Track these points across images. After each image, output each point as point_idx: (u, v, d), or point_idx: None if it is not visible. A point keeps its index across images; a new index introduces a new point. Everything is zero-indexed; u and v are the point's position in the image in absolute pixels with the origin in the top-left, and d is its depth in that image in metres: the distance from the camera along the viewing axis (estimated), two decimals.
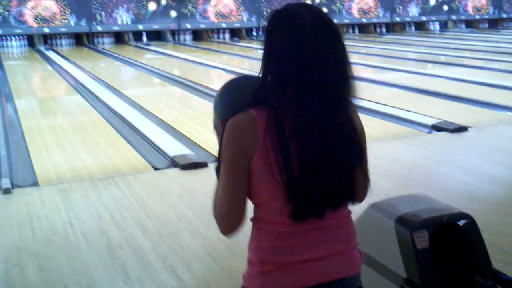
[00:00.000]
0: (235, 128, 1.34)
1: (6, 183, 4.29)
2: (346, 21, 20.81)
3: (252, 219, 1.45)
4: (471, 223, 2.07)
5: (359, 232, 1.49)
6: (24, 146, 5.65)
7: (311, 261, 1.40)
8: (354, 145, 1.37)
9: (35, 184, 4.46)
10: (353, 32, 21.10)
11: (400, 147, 5.42)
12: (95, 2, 17.30)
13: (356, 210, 1.56)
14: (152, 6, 18.21)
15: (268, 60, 1.34)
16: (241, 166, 1.34)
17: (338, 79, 1.32)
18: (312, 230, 1.39)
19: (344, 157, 1.34)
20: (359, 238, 1.48)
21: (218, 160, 1.40)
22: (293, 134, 1.29)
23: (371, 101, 7.29)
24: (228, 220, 1.40)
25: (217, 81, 10.73)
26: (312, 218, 1.36)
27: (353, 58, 1.36)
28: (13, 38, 16.63)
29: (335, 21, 1.36)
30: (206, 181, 4.46)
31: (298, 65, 1.28)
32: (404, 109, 6.99)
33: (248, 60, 13.96)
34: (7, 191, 4.15)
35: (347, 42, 1.35)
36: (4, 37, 16.61)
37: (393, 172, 4.65)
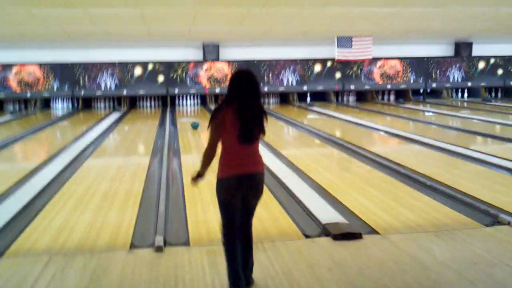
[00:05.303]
0: (215, 111, 3.41)
1: (159, 240, 4.35)
2: None
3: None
4: None
5: None
6: (182, 201, 5.80)
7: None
8: (261, 116, 3.40)
9: (187, 242, 4.47)
10: None
11: None
12: (263, 65, 18.09)
13: None
14: (317, 68, 18.52)
15: (228, 91, 3.39)
16: (219, 129, 3.37)
17: (255, 97, 3.37)
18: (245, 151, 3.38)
19: (257, 120, 3.37)
20: None
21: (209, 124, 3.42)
22: (236, 115, 3.30)
23: None
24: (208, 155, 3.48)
25: (380, 145, 10.33)
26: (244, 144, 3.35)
27: None
28: (188, 97, 17.99)
29: None
30: (359, 254, 4.11)
31: (238, 92, 3.35)
32: None
33: (413, 123, 13.34)
34: (159, 249, 4.20)
35: None
36: (180, 96, 18.04)
37: None
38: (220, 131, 3.33)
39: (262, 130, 3.40)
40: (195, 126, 12.12)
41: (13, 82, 17.27)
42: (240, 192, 3.33)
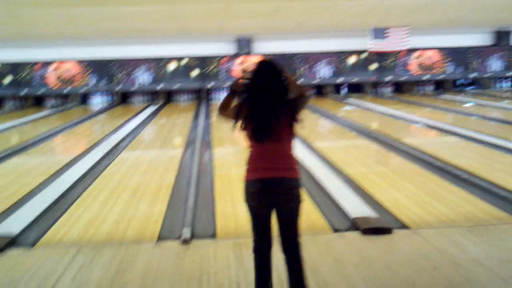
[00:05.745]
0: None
1: (186, 233, 4.36)
2: None
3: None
4: None
5: None
6: (211, 194, 5.80)
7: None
8: (281, 110, 2.94)
9: (214, 235, 4.47)
10: None
11: None
12: (297, 57, 17.96)
13: None
14: (352, 60, 18.27)
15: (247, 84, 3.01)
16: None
17: (273, 90, 2.94)
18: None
19: (273, 116, 2.93)
20: None
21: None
22: (249, 110, 2.97)
23: None
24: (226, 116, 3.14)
25: (418, 136, 10.11)
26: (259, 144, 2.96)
27: None
28: (221, 90, 18.04)
29: None
30: (388, 250, 4.01)
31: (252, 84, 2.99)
32: None
33: (452, 114, 13.01)
34: (185, 242, 4.20)
35: None
36: (214, 90, 18.10)
37: None
38: (238, 110, 3.04)
39: (283, 128, 2.94)
40: None
41: (52, 79, 17.66)
42: (267, 199, 2.92)
